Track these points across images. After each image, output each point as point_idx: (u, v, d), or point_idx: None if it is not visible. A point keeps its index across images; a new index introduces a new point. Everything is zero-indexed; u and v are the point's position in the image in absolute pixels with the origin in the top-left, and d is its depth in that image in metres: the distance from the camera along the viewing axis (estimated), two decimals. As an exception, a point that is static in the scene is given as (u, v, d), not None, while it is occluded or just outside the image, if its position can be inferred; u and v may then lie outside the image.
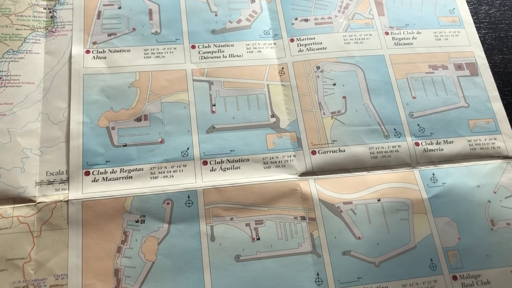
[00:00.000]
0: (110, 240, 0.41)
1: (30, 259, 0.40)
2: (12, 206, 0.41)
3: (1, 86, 0.45)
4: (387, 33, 0.53)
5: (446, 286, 0.42)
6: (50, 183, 0.43)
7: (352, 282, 0.42)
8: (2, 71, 0.46)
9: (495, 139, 0.49)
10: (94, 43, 0.49)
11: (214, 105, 0.47)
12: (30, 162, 0.43)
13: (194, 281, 0.40)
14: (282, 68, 0.50)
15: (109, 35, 0.49)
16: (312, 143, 0.47)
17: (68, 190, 0.42)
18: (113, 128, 0.45)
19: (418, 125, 0.49)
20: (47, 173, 0.43)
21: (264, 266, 0.42)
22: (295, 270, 0.42)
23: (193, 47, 0.50)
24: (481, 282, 0.43)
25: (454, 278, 0.43)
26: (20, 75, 0.46)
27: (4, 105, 0.45)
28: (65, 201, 0.42)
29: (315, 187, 0.45)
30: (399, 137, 0.48)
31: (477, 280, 0.43)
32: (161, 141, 0.45)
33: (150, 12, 0.51)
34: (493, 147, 0.49)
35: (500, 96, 0.51)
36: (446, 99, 0.50)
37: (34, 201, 0.42)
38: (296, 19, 0.53)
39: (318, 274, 0.42)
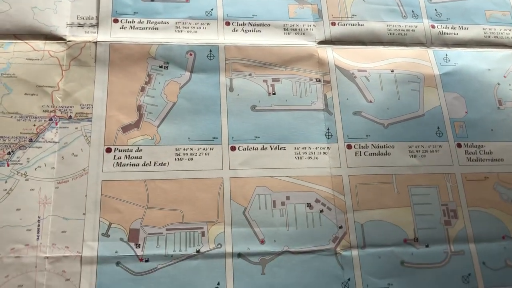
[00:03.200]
0: (134, 80, 0.43)
1: (59, 88, 0.42)
2: (44, 41, 0.43)
3: None
4: None
5: (450, 152, 0.44)
6: (80, 25, 0.45)
7: (360, 138, 0.44)
8: None
9: (510, 30, 0.50)
10: None
11: (239, -27, 0.49)
12: (62, 6, 0.45)
13: (211, 122, 0.43)
14: None
15: None
16: (332, 15, 0.48)
17: (97, 33, 0.44)
18: (141, -16, 0.47)
19: (436, 10, 0.50)
20: (77, 17, 0.45)
21: (278, 116, 0.44)
22: (307, 123, 0.44)
23: None
24: (483, 152, 0.45)
25: (459, 145, 0.45)
26: None
27: (39, -48, 0.46)
28: (93, 42, 0.44)
29: (332, 54, 0.47)
30: (416, 19, 0.49)
31: (480, 150, 0.45)
32: (186, 0, 0.47)
33: None
34: (508, 37, 0.50)
35: (519, -6, 0.52)
36: (465, -10, 0.51)
37: (64, 40, 0.44)
38: None
39: (328, 129, 0.44)
